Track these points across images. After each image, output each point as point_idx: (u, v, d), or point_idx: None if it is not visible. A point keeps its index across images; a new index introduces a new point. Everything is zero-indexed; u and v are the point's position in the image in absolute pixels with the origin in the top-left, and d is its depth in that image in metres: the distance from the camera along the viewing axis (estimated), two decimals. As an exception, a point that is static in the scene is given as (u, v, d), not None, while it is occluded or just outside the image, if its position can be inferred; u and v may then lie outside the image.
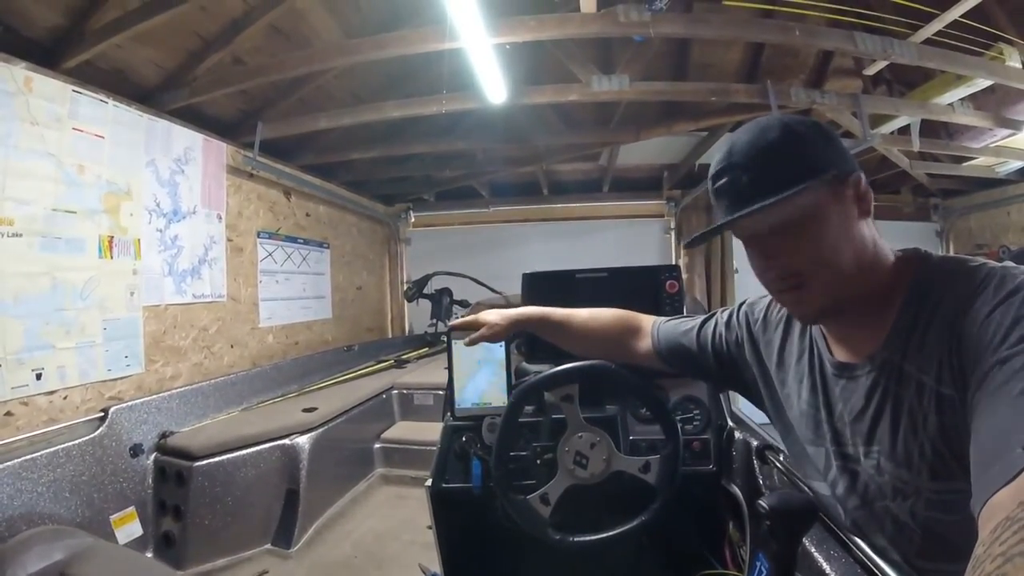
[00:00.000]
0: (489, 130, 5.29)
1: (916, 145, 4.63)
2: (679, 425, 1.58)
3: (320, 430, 3.44)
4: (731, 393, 1.88)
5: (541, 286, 2.03)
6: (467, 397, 1.89)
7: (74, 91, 2.93)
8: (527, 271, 2.07)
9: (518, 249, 7.34)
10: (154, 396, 3.16)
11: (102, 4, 2.91)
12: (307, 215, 5.41)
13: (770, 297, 1.28)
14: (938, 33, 3.34)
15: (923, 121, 4.46)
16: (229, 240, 4.19)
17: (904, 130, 4.64)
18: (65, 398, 2.84)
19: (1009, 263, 0.85)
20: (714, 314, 1.43)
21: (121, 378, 3.17)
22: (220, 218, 4.08)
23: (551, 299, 1.75)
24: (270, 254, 4.73)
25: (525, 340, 2.04)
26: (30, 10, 2.78)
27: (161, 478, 2.98)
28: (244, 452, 3.10)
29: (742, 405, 1.70)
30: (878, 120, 4.44)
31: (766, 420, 1.34)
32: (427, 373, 4.83)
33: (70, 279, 2.88)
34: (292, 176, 4.99)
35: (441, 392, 3.98)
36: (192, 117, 3.81)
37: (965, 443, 0.74)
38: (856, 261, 0.93)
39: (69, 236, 2.88)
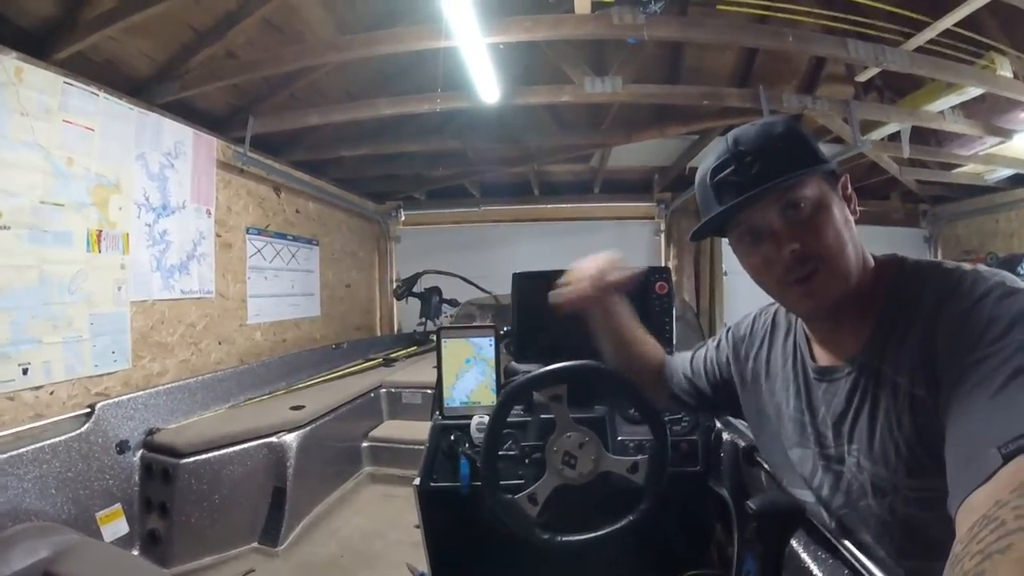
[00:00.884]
0: (481, 130, 5.29)
1: (906, 152, 4.67)
2: (667, 426, 1.58)
3: (308, 428, 3.43)
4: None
5: (531, 286, 2.03)
6: (456, 396, 1.90)
7: (65, 82, 2.91)
8: (517, 271, 2.07)
9: (508, 249, 7.34)
10: (141, 392, 3.13)
11: (96, -6, 2.89)
12: (297, 212, 5.40)
13: (752, 314, 1.31)
14: (930, 41, 3.37)
15: (913, 128, 4.50)
16: (218, 236, 4.17)
17: (894, 137, 4.68)
18: (51, 393, 2.82)
19: (982, 266, 0.86)
20: (706, 342, 1.44)
21: (108, 374, 3.15)
22: (209, 213, 4.06)
23: (541, 299, 1.75)
24: (259, 250, 4.72)
25: (514, 339, 2.04)
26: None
27: (147, 475, 2.96)
28: (231, 450, 3.09)
29: (731, 408, 1.70)
30: (869, 126, 4.47)
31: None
32: (416, 372, 4.82)
33: (57, 273, 2.86)
34: (282, 172, 4.98)
35: (429, 391, 3.99)
36: (183, 111, 3.79)
37: (939, 443, 0.75)
38: (854, 258, 0.94)
39: (57, 229, 2.86)
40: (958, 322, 0.79)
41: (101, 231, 3.11)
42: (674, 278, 6.75)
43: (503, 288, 2.30)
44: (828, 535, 1.05)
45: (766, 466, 1.41)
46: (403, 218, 7.72)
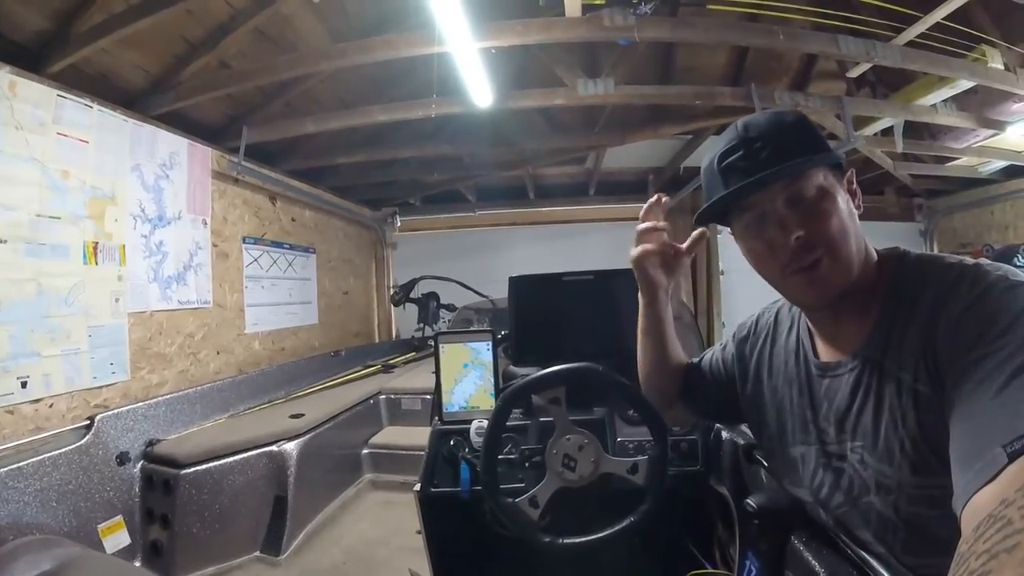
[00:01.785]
0: (475, 134, 5.29)
1: (900, 146, 4.69)
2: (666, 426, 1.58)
3: (308, 436, 3.43)
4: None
5: (528, 289, 2.04)
6: (455, 401, 1.90)
7: (59, 95, 2.91)
8: (514, 274, 2.07)
9: (505, 253, 7.36)
10: (140, 404, 3.13)
11: (88, 8, 2.90)
12: (293, 220, 5.39)
13: (756, 314, 1.31)
14: (921, 35, 3.38)
15: (906, 122, 4.51)
16: (214, 246, 4.16)
17: (888, 131, 4.69)
18: (51, 406, 2.82)
19: (983, 260, 0.86)
20: (713, 348, 1.44)
21: (107, 386, 3.14)
22: (205, 223, 4.06)
23: (538, 302, 1.75)
24: (256, 259, 4.71)
25: (512, 343, 2.05)
26: (15, 13, 2.76)
27: (148, 486, 2.96)
28: (231, 459, 3.08)
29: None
30: (862, 122, 4.47)
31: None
32: (414, 378, 4.83)
33: (55, 285, 2.86)
34: (278, 181, 4.96)
35: (429, 397, 3.98)
36: (177, 122, 3.79)
37: (944, 439, 0.75)
38: (857, 250, 0.95)
39: (54, 242, 2.86)
40: (961, 317, 0.79)
41: (98, 243, 3.11)
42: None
43: (500, 292, 2.31)
44: (829, 530, 1.05)
45: (766, 464, 1.41)
46: (399, 224, 7.71)
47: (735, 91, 4.17)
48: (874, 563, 0.92)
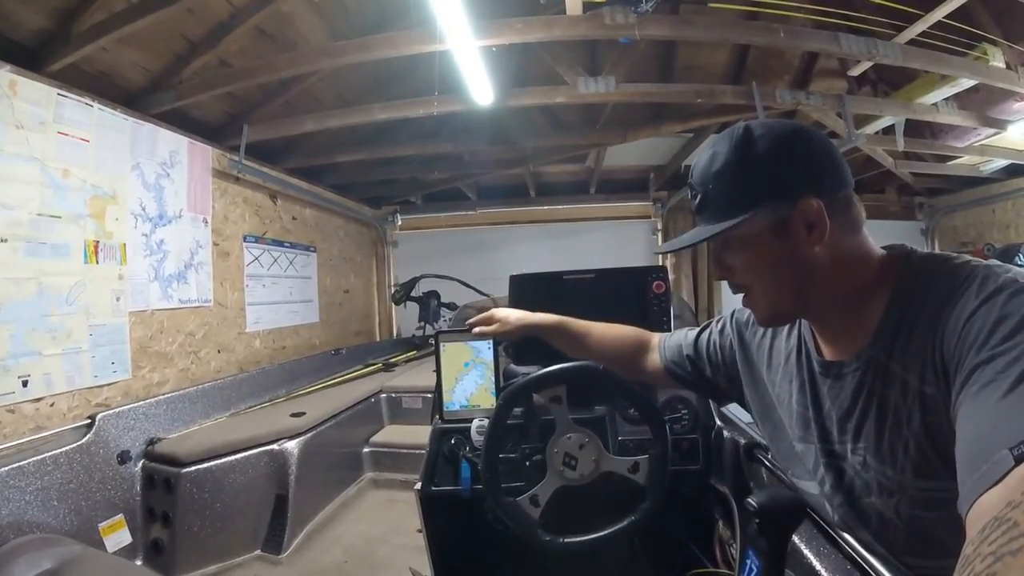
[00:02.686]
0: (476, 132, 5.28)
1: (901, 145, 4.68)
2: (667, 425, 1.58)
3: (309, 435, 3.43)
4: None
5: (528, 288, 2.03)
6: (455, 400, 1.90)
7: (59, 94, 2.90)
8: (514, 273, 2.07)
9: (505, 251, 7.34)
10: (141, 402, 3.13)
11: (88, 6, 2.89)
12: (293, 219, 5.40)
13: None
14: (922, 34, 3.37)
15: (907, 121, 4.50)
16: (215, 244, 4.17)
17: (889, 130, 4.69)
18: (52, 405, 2.82)
19: (993, 261, 0.85)
20: (711, 322, 1.45)
21: (108, 384, 3.14)
22: (206, 222, 4.06)
23: (538, 300, 1.75)
24: (256, 258, 4.72)
25: (513, 342, 2.04)
26: (15, 12, 2.76)
27: (149, 485, 2.96)
28: (232, 458, 3.08)
29: (730, 405, 1.70)
30: (863, 120, 4.47)
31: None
32: (415, 376, 4.83)
33: (56, 284, 2.86)
34: (278, 179, 4.97)
35: (429, 395, 3.98)
36: (178, 120, 3.79)
37: (949, 442, 0.74)
38: (800, 282, 0.98)
39: (54, 241, 2.86)
40: (968, 319, 0.77)
41: (98, 242, 3.11)
42: (672, 277, 6.77)
43: (501, 291, 2.30)
44: (830, 530, 1.05)
45: (767, 462, 1.41)
46: (400, 222, 7.72)
47: (736, 89, 4.16)
48: (875, 562, 0.92)
